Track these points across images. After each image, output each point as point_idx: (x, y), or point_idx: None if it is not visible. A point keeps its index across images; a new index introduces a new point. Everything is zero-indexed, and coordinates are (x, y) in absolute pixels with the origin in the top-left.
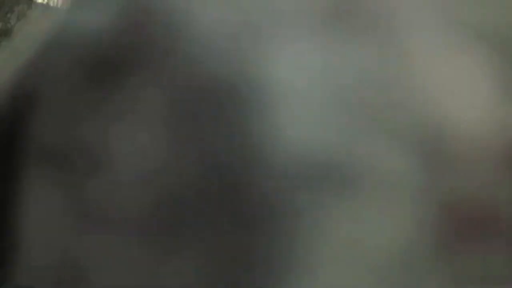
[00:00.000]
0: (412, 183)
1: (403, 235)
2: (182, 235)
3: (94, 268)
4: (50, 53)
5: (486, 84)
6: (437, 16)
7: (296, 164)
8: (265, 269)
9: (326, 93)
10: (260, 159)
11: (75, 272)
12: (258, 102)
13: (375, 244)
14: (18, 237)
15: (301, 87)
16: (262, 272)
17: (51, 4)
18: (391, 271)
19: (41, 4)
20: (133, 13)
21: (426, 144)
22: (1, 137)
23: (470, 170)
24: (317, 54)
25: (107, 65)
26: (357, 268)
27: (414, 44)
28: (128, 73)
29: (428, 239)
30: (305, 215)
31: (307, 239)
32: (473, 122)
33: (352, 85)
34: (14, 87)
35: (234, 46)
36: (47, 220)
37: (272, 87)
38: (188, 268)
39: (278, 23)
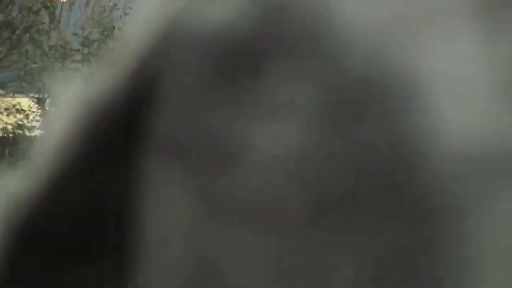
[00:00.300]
0: None
1: None
2: (337, 234)
3: (230, 268)
4: (174, 44)
5: None
6: None
7: (459, 160)
8: (431, 269)
9: (485, 86)
10: (421, 155)
11: (208, 273)
12: (415, 98)
13: None
14: (145, 237)
15: (459, 81)
16: (428, 273)
17: None
18: None
19: None
20: (270, 4)
21: None
22: (124, 131)
23: None
24: (474, 46)
25: (240, 59)
26: None
27: None
28: (266, 68)
29: None
30: (472, 213)
31: (475, 238)
32: None
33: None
34: (136, 76)
35: (384, 40)
36: (175, 218)
37: (429, 82)
38: (345, 269)
39: (431, 15)
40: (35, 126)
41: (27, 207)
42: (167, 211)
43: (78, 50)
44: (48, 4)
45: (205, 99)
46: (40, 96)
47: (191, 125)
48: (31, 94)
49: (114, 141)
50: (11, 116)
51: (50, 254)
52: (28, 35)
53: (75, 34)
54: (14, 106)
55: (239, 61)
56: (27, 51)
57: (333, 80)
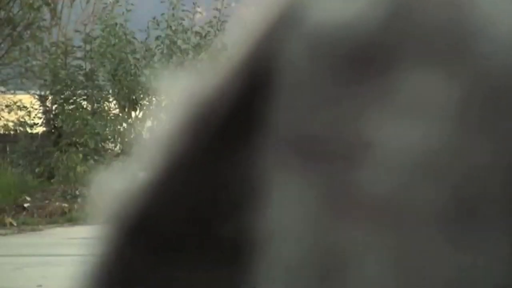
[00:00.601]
0: None
1: None
2: (474, 235)
3: (354, 267)
4: (292, 37)
5: None
6: None
7: None
8: None
9: None
10: None
11: (330, 273)
12: None
13: None
14: (262, 235)
15: None
16: None
17: None
18: None
19: None
20: (404, 3)
21: None
22: (237, 125)
23: None
24: None
25: (370, 54)
26: None
27: None
28: (397, 63)
29: None
30: None
31: None
32: None
33: None
34: (249, 70)
35: None
36: (294, 216)
37: None
38: (479, 270)
39: None
40: (37, 123)
41: (138, 204)
42: (286, 209)
43: (80, 47)
44: (49, 0)
45: (329, 95)
46: (42, 93)
47: (313, 121)
48: (32, 91)
49: (227, 137)
50: (12, 113)
51: (163, 252)
52: (29, 32)
53: (77, 31)
54: (15, 103)
55: (369, 56)
56: (28, 48)
57: (474, 76)
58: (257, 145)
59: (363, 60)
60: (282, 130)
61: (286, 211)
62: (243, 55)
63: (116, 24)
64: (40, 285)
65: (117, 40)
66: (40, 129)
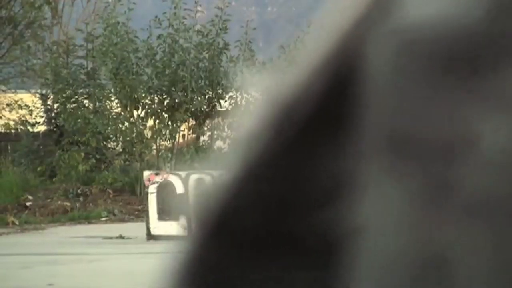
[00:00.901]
0: None
1: None
2: None
3: (454, 267)
4: (382, 31)
5: None
6: None
7: None
8: None
9: None
10: None
11: (433, 270)
12: None
13: None
14: (351, 234)
15: None
16: None
17: None
18: None
19: None
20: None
21: None
22: (323, 122)
23: None
24: None
25: (466, 51)
26: None
27: None
28: (495, 61)
29: None
30: None
31: None
32: None
33: None
34: (334, 66)
35: None
36: (390, 215)
37: None
38: None
39: None
40: (39, 122)
41: (221, 203)
42: (379, 206)
43: (81, 45)
44: None
45: (425, 94)
46: (44, 92)
47: (410, 118)
48: (33, 90)
49: (310, 135)
50: (13, 112)
51: (248, 251)
52: (30, 30)
53: (79, 29)
54: (16, 102)
55: (466, 54)
56: (29, 46)
57: None
58: (342, 143)
59: (460, 58)
60: (372, 128)
61: (379, 209)
62: (328, 53)
63: (118, 23)
64: (51, 284)
65: (119, 39)
66: (41, 128)
